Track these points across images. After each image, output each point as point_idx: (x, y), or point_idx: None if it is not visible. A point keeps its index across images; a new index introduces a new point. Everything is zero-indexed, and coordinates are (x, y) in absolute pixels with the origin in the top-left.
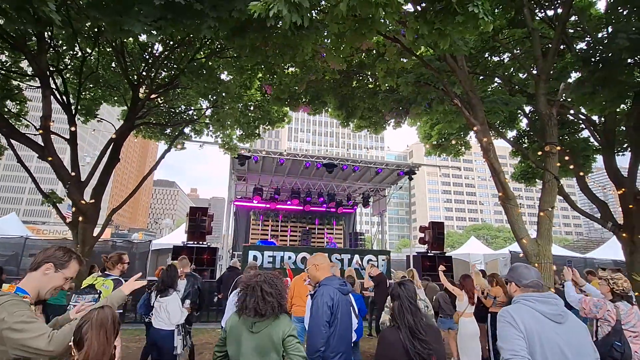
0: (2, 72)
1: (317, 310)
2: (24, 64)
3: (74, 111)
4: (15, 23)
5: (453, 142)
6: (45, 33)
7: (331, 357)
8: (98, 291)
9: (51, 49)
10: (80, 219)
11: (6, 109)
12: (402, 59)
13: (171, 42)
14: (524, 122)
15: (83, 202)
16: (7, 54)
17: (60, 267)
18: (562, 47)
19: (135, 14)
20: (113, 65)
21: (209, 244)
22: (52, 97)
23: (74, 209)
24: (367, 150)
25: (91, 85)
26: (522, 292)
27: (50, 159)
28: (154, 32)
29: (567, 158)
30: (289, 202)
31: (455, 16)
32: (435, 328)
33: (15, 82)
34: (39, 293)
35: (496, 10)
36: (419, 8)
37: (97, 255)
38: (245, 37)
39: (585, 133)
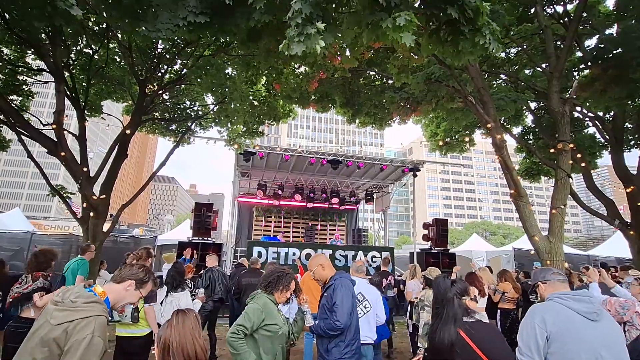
0: (9, 67)
1: (342, 299)
2: (29, 59)
3: (82, 107)
4: (35, 20)
5: (460, 139)
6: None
7: (351, 344)
8: None
9: (62, 45)
10: (91, 214)
11: (13, 104)
12: (414, 56)
13: (179, 41)
14: (529, 119)
15: (94, 197)
16: (13, 49)
17: (139, 286)
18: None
19: (152, 17)
20: (118, 60)
21: (214, 240)
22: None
23: (84, 204)
24: (361, 148)
25: (95, 81)
26: (552, 288)
27: (62, 154)
28: (170, 38)
29: (579, 156)
30: (292, 199)
31: (464, 39)
32: (487, 326)
33: (21, 77)
34: (113, 304)
35: (504, 5)
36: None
37: (104, 251)
38: (260, 41)
39: (591, 130)
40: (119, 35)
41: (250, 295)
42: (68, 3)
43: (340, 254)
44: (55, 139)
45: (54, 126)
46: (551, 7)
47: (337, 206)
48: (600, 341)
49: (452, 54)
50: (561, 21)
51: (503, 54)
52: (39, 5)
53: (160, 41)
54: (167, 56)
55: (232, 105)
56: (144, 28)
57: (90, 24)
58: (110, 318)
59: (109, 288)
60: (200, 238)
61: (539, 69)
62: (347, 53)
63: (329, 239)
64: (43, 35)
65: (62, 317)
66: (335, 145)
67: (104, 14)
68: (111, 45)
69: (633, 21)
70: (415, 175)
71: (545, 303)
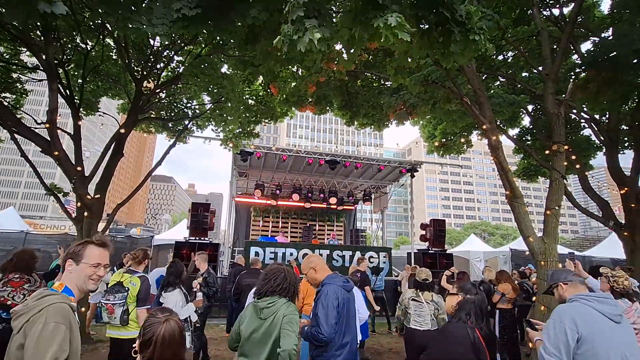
0: (2, 64)
1: (326, 309)
2: (24, 56)
3: (77, 105)
4: (21, 17)
5: (457, 140)
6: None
7: (336, 355)
8: (126, 288)
9: (55, 42)
10: (85, 214)
11: (6, 102)
12: (409, 58)
13: (176, 38)
14: (526, 120)
15: (88, 197)
16: (6, 46)
17: (77, 259)
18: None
19: (146, 12)
20: (114, 57)
21: (211, 240)
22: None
23: (78, 204)
24: (358, 147)
25: (91, 79)
26: (574, 289)
27: (56, 153)
28: (165, 33)
29: (573, 157)
30: (290, 199)
31: (454, 40)
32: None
33: (15, 75)
34: (79, 288)
35: (501, 8)
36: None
37: None
38: (257, 44)
39: (586, 132)
40: (115, 33)
41: (272, 300)
42: None
43: (337, 254)
44: (49, 138)
45: (47, 125)
46: (548, 9)
47: (335, 206)
48: (625, 343)
49: (443, 55)
50: (558, 25)
51: (500, 57)
52: (23, 2)
53: (156, 38)
54: (164, 54)
55: (229, 104)
56: (137, 22)
57: (85, 19)
58: (76, 306)
59: (63, 278)
60: (197, 238)
61: (535, 71)
62: (344, 55)
63: (327, 239)
64: (38, 32)
65: (18, 323)
66: (334, 145)
67: (97, 9)
68: (107, 41)
69: (627, 25)
70: (412, 176)
71: (572, 304)
